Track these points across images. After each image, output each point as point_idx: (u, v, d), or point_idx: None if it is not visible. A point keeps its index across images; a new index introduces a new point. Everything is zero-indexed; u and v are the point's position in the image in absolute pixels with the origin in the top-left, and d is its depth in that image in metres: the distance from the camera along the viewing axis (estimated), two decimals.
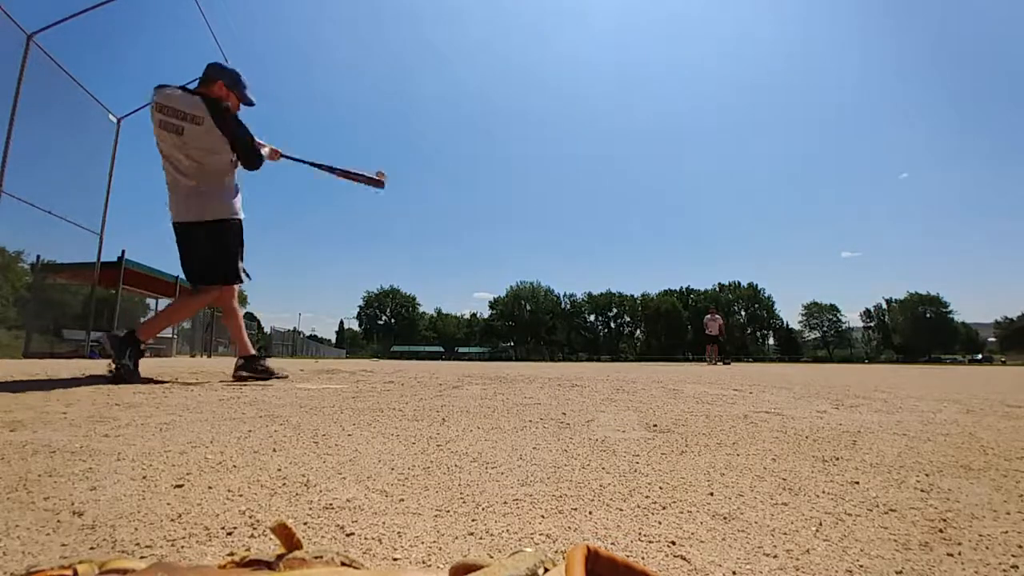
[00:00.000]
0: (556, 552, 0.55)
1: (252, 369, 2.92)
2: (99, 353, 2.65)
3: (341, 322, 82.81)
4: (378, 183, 3.47)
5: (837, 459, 1.03)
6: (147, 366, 3.84)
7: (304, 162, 3.30)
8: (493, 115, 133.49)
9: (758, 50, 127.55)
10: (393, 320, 75.92)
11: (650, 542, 0.58)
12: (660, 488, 0.80)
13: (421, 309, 78.77)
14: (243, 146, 2.82)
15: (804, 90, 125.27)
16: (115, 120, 7.63)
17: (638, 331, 76.25)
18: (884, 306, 74.70)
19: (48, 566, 0.27)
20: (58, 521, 0.61)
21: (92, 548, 0.54)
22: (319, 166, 3.40)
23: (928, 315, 69.14)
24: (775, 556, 0.55)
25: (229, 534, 0.58)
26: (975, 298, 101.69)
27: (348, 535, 0.59)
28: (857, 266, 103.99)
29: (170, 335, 13.28)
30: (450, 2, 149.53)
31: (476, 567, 0.25)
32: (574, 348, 72.24)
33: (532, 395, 2.27)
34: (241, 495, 0.73)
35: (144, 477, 0.80)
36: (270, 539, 0.57)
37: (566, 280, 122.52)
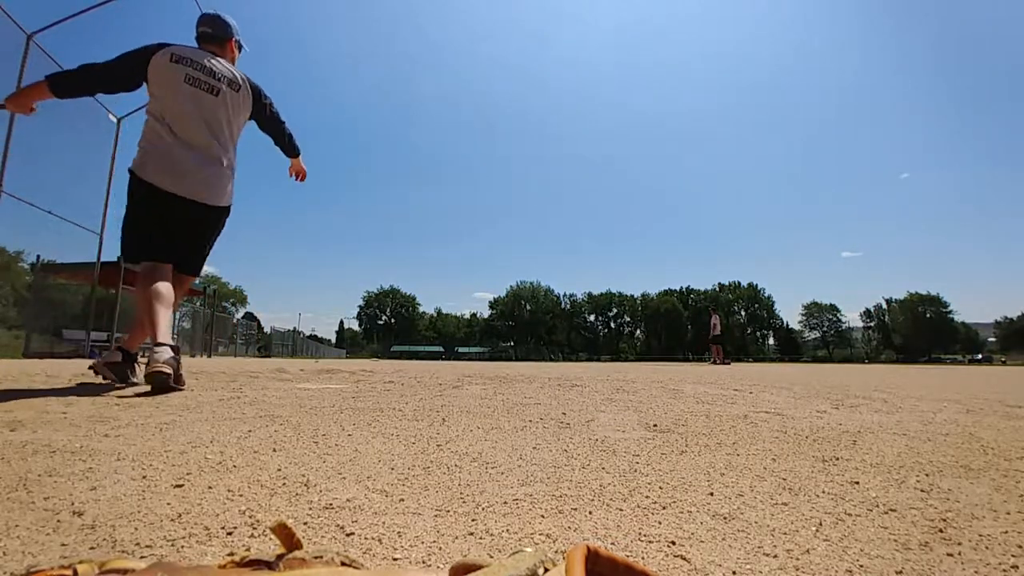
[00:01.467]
0: (556, 552, 0.55)
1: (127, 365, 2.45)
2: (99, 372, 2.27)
3: (341, 322, 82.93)
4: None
5: (837, 459, 1.03)
6: None
7: None
8: (493, 115, 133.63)
9: (758, 50, 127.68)
10: (393, 320, 75.91)
11: (650, 542, 0.58)
12: (660, 488, 0.80)
13: (421, 309, 78.84)
14: (290, 136, 2.78)
15: (804, 90, 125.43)
16: (115, 120, 7.62)
17: (638, 331, 76.29)
18: (884, 306, 74.70)
19: (48, 566, 0.27)
20: (58, 521, 0.61)
21: (92, 548, 0.54)
22: None
23: (928, 315, 69.15)
24: (775, 556, 0.55)
25: (229, 534, 0.58)
26: (975, 298, 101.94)
27: (348, 535, 0.59)
28: (857, 266, 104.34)
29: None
30: (451, 2, 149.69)
31: (476, 567, 0.25)
32: (574, 348, 72.23)
33: (532, 395, 2.27)
34: (241, 495, 0.73)
35: (144, 477, 0.80)
36: (270, 539, 0.57)
37: (566, 280, 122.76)
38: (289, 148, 2.85)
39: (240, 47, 2.66)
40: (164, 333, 2.12)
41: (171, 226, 2.35)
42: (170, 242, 2.36)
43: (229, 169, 2.47)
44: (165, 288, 2.24)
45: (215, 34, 2.51)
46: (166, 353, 2.01)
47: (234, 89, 2.45)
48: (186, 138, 2.31)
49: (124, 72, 2.25)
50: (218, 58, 2.46)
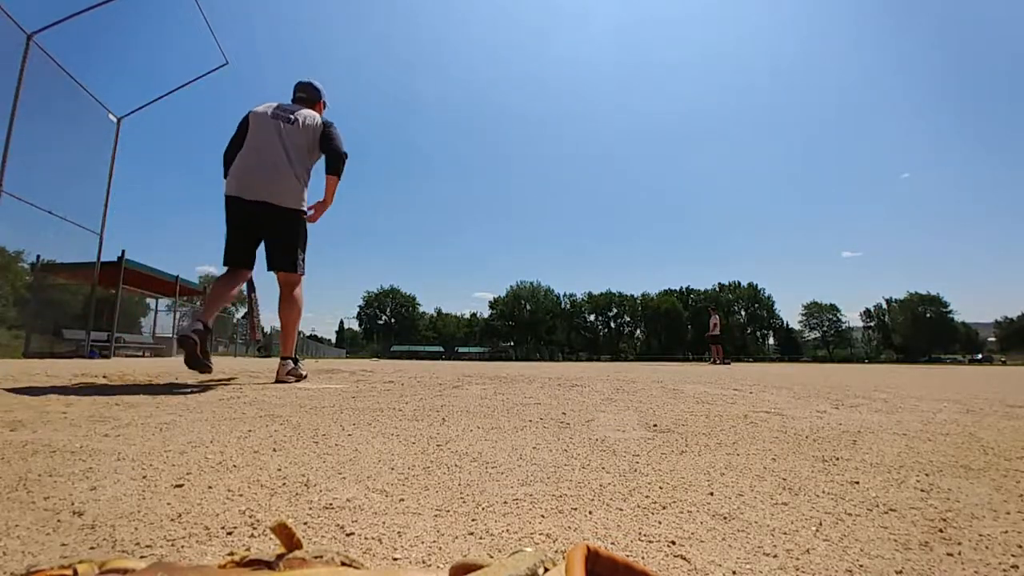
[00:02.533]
0: (556, 552, 0.55)
1: (296, 372, 2.98)
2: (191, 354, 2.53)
3: (341, 322, 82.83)
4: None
5: (837, 459, 1.03)
6: (147, 366, 3.84)
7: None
8: (493, 115, 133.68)
9: (758, 50, 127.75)
10: (393, 320, 75.87)
11: (650, 542, 0.58)
12: (660, 488, 0.80)
13: (421, 309, 78.77)
14: (338, 156, 3.07)
15: (804, 90, 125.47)
16: (115, 120, 7.64)
17: (638, 331, 76.22)
18: (884, 306, 74.66)
19: (48, 566, 0.27)
20: (58, 521, 0.61)
21: (92, 548, 0.54)
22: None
23: (928, 315, 69.09)
24: (775, 556, 0.55)
25: (229, 534, 0.58)
26: (975, 298, 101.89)
27: (348, 535, 0.59)
28: (857, 266, 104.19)
29: (170, 335, 13.25)
30: (451, 2, 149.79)
31: (476, 567, 0.25)
32: (574, 348, 72.19)
33: (532, 395, 2.27)
34: (241, 495, 0.73)
35: (144, 477, 0.80)
36: (270, 539, 0.57)
37: (566, 280, 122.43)
38: (331, 160, 3.07)
39: (325, 105, 3.35)
40: (206, 313, 2.66)
41: (246, 229, 2.85)
42: (245, 249, 2.87)
43: (299, 179, 2.95)
44: (229, 287, 2.83)
45: (308, 97, 3.24)
46: (196, 324, 2.54)
47: (310, 121, 3.02)
48: (264, 155, 2.86)
49: (241, 133, 2.92)
50: (304, 109, 3.08)
